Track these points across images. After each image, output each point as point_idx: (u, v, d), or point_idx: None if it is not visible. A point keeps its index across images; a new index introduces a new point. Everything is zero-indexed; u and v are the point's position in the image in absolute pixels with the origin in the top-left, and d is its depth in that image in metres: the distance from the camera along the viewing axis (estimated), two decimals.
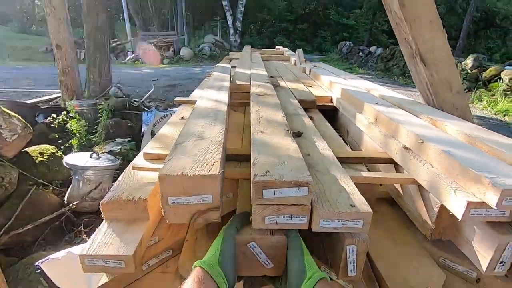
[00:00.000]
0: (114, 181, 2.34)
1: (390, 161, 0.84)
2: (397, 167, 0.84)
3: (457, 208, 0.56)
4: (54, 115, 3.25)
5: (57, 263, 1.46)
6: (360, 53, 15.27)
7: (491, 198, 0.51)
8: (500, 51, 14.94)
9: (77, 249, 1.60)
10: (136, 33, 16.45)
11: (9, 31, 17.72)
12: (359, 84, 1.50)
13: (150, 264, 0.68)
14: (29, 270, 1.64)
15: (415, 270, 0.65)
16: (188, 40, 16.81)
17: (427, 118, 0.93)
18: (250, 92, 1.28)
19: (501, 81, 7.14)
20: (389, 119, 0.88)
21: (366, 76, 11.51)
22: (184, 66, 12.37)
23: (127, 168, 0.76)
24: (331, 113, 1.43)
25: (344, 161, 0.82)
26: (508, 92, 6.83)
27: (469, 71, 8.26)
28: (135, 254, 0.56)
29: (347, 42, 16.93)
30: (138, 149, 3.09)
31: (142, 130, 3.60)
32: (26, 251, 1.88)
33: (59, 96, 4.49)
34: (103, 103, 3.47)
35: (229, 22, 16.89)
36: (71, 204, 2.13)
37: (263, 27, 24.37)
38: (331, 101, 1.45)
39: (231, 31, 17.11)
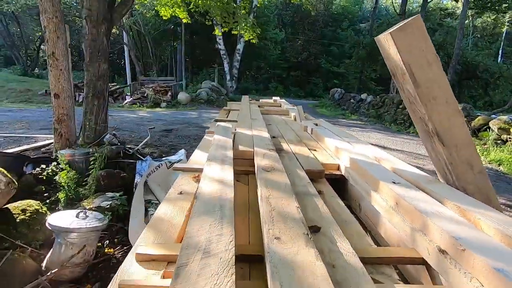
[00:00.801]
0: (102, 240, 2.12)
1: (422, 261, 0.73)
2: (429, 269, 0.73)
3: None
4: (44, 166, 3.11)
5: None
6: (352, 100, 15.88)
7: None
8: (483, 99, 15.76)
9: None
10: (137, 78, 17.04)
11: (11, 74, 18.19)
12: (367, 151, 1.44)
13: None
14: None
15: None
16: (185, 85, 17.40)
17: (454, 206, 0.84)
18: (254, 160, 1.20)
19: (490, 131, 7.34)
20: (413, 207, 0.80)
21: (359, 122, 11.82)
22: (181, 110, 12.57)
23: (137, 242, 0.62)
24: (339, 184, 1.35)
25: (368, 261, 0.71)
26: (498, 142, 6.98)
27: None
28: None
29: (338, 89, 17.71)
30: (129, 203, 2.91)
31: (135, 181, 3.45)
32: None
33: (52, 143, 4.39)
34: (95, 153, 3.37)
35: (226, 69, 17.70)
36: (48, 273, 1.90)
37: (258, 73, 25.62)
38: (338, 169, 1.38)
39: (228, 77, 17.85)
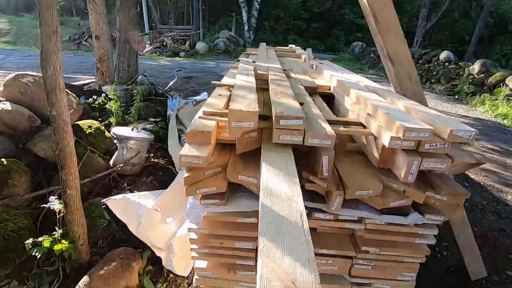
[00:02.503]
0: (149, 152, 2.87)
1: (360, 124, 1.29)
2: (364, 128, 1.29)
3: (386, 141, 1.01)
4: (95, 97, 3.78)
5: (117, 202, 1.99)
6: (372, 54, 15.45)
7: (401, 132, 0.96)
8: None
9: (129, 196, 2.11)
10: (155, 27, 17.02)
11: (33, 19, 18.46)
12: (352, 77, 1.94)
13: (209, 172, 1.15)
14: (92, 209, 2.15)
15: (365, 182, 1.10)
16: (203, 34, 17.25)
17: (390, 99, 1.37)
18: (268, 80, 1.73)
19: (505, 87, 7.39)
20: (364, 99, 1.33)
21: (375, 77, 11.76)
22: (199, 60, 12.84)
23: (195, 117, 1.22)
24: (329, 99, 1.88)
25: (329, 123, 1.27)
26: (510, 98, 7.08)
27: (475, 75, 8.50)
28: (206, 158, 1.02)
29: (360, 43, 17.06)
30: (166, 128, 3.58)
31: (168, 114, 4.10)
32: (85, 199, 2.38)
33: (92, 81, 5.03)
34: (136, 88, 3.98)
35: (244, 18, 17.27)
36: (117, 166, 2.64)
37: (277, 24, 24.61)
38: (329, 89, 1.89)
39: (246, 27, 17.49)
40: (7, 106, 2.39)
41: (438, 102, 7.66)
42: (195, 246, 1.30)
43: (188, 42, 15.35)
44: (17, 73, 2.60)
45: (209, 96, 4.68)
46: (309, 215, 1.19)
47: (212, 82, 1.90)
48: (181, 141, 3.52)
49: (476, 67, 8.56)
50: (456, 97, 8.35)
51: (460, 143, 4.43)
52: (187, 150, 1.04)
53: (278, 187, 0.78)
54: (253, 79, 1.53)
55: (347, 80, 1.79)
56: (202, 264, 1.35)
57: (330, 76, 2.00)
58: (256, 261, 1.31)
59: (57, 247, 1.73)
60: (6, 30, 15.37)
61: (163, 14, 19.72)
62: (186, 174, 1.09)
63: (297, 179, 0.82)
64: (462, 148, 1.14)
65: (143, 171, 2.87)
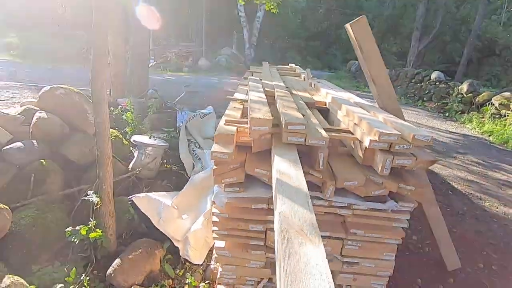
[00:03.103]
0: (163, 159, 3.22)
1: (349, 131, 1.63)
2: (352, 134, 1.64)
3: (367, 143, 1.35)
4: (112, 108, 4.12)
5: (141, 199, 2.31)
6: None
7: (377, 136, 1.31)
8: (506, 79, 15.52)
9: (150, 194, 2.42)
10: (159, 42, 17.66)
11: (41, 35, 19.07)
12: (344, 95, 2.30)
13: (231, 166, 1.48)
14: (117, 206, 2.43)
15: (352, 175, 1.43)
16: (205, 51, 17.88)
17: (373, 113, 1.73)
18: (274, 95, 2.09)
19: (491, 105, 7.86)
20: (354, 113, 1.68)
21: (370, 94, 12.27)
22: (202, 75, 13.35)
23: (220, 123, 1.56)
24: (325, 112, 2.23)
25: (324, 130, 1.61)
26: (496, 116, 7.53)
27: (464, 95, 8.99)
28: (231, 154, 1.35)
29: (356, 62, 17.75)
30: (177, 138, 3.91)
31: (178, 125, 4.44)
32: None
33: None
34: (150, 101, 4.34)
35: (245, 36, 17.99)
36: (136, 170, 2.95)
37: (276, 42, 25.50)
38: (325, 104, 2.25)
39: (247, 45, 18.18)
40: (44, 115, 2.73)
41: (429, 119, 8.09)
42: (216, 228, 1.61)
43: (191, 58, 15.96)
44: (52, 86, 2.95)
45: (214, 109, 5.02)
46: None
47: (227, 96, 2.26)
48: (190, 150, 3.85)
49: (464, 86, 9.07)
50: (447, 114, 8.80)
51: (447, 156, 4.79)
52: (216, 148, 1.38)
53: (287, 170, 1.11)
54: (264, 95, 1.89)
55: (340, 97, 2.15)
56: (221, 244, 1.65)
57: (326, 93, 2.36)
58: (265, 241, 1.62)
59: (92, 235, 2.01)
60: (16, 45, 15.93)
61: (167, 31, 20.49)
62: (215, 167, 1.42)
63: (300, 166, 1.15)
64: (425, 149, 1.48)
65: (158, 175, 3.18)
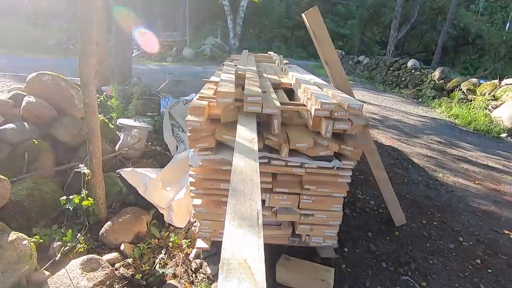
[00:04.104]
0: (147, 141, 3.49)
1: (303, 105, 1.94)
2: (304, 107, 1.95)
3: (313, 111, 1.67)
4: (97, 95, 4.30)
5: (128, 172, 2.57)
6: (350, 62, 16.54)
7: (319, 105, 1.62)
8: (481, 67, 16.30)
9: (136, 169, 2.68)
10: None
11: (15, 23, 18.37)
12: (308, 77, 2.62)
13: (203, 134, 1.76)
14: (106, 180, 2.69)
15: (302, 138, 1.75)
16: (189, 41, 17.78)
17: (325, 90, 2.05)
18: (245, 77, 2.37)
19: (459, 91, 8.40)
20: (309, 89, 1.99)
21: (351, 82, 12.70)
22: (186, 65, 13.39)
23: (194, 99, 1.84)
24: (291, 94, 2.54)
25: (284, 104, 1.92)
26: (464, 100, 8.08)
27: (436, 81, 9.52)
28: (202, 122, 1.64)
29: (340, 51, 18.14)
30: (161, 122, 4.14)
31: (161, 111, 4.66)
32: None
33: None
34: (134, 88, 4.53)
35: (230, 26, 17.98)
36: (123, 150, 3.19)
37: (262, 32, 25.52)
38: (291, 85, 2.56)
39: (231, 34, 18.20)
40: (32, 99, 2.91)
41: (403, 104, 8.57)
42: (193, 188, 1.91)
43: (175, 48, 15.88)
44: (38, 72, 3.12)
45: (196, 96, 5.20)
46: (268, 163, 1.82)
47: (203, 79, 2.53)
48: (174, 133, 4.10)
49: (436, 73, 9.60)
50: (420, 100, 9.32)
51: (412, 137, 5.23)
52: (191, 117, 1.66)
53: (244, 133, 1.41)
54: (233, 76, 2.17)
55: (303, 79, 2.46)
56: (198, 201, 1.96)
57: (292, 76, 2.66)
58: None
59: (85, 203, 2.27)
60: None
61: (150, 21, 20.18)
62: (189, 134, 1.71)
63: (255, 130, 1.46)
64: (360, 117, 1.80)
65: (143, 155, 3.43)
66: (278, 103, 1.67)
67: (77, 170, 2.37)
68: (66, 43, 14.58)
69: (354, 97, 2.08)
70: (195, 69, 11.80)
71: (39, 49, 14.08)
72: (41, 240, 1.97)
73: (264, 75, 2.81)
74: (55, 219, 2.37)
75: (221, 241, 0.73)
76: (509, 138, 5.94)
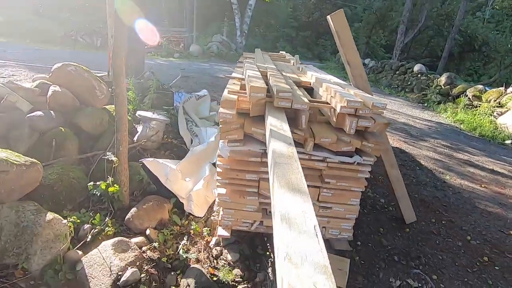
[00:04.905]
0: (165, 133, 3.59)
1: (326, 103, 2.04)
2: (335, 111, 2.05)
3: (338, 109, 1.76)
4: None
5: (150, 162, 2.68)
6: None
7: (345, 103, 1.72)
8: (487, 73, 16.34)
9: (157, 160, 2.78)
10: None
11: (23, 15, 18.44)
12: (327, 77, 2.71)
13: (233, 126, 1.86)
14: (129, 169, 2.79)
15: (326, 134, 1.85)
16: (196, 37, 17.86)
17: (346, 89, 2.14)
18: (267, 75, 2.47)
19: (465, 97, 8.49)
20: (332, 88, 2.09)
21: None
22: (193, 61, 13.48)
23: (224, 93, 1.93)
24: (310, 92, 2.63)
25: (310, 101, 2.01)
26: (469, 106, 8.17)
27: (442, 86, 9.61)
28: (234, 114, 1.74)
29: None
30: (176, 116, 4.24)
31: (175, 105, 4.76)
32: None
33: (103, 75, 5.62)
34: (150, 81, 4.63)
35: (237, 24, 18.03)
36: (141, 141, 3.29)
37: (267, 31, 25.56)
38: (310, 84, 2.65)
39: (238, 32, 18.24)
40: (58, 88, 3.01)
41: (409, 108, 8.66)
42: (219, 178, 2.01)
43: (182, 44, 15.96)
44: (63, 63, 3.21)
45: (207, 92, 5.38)
46: None
47: (226, 75, 2.63)
48: (188, 127, 4.20)
49: (443, 79, 9.68)
50: (426, 104, 9.41)
51: (419, 140, 5.33)
52: (223, 110, 1.76)
53: (277, 124, 1.51)
54: (258, 73, 2.27)
55: (322, 78, 2.55)
56: (222, 190, 2.06)
57: (311, 75, 2.76)
58: (258, 189, 2.03)
59: (111, 189, 2.37)
60: None
61: (158, 17, 20.26)
62: (221, 126, 1.81)
63: (286, 119, 1.56)
64: (382, 116, 1.90)
65: (160, 147, 3.53)
66: (306, 99, 1.77)
67: (104, 157, 2.47)
68: (75, 35, 14.64)
69: (372, 95, 2.18)
70: (203, 66, 11.89)
71: (48, 41, 14.15)
72: (78, 221, 2.07)
73: (283, 73, 2.90)
74: (81, 203, 2.47)
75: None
76: None
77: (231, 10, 18.13)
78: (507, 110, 7.09)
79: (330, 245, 2.28)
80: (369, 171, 2.00)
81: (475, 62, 16.19)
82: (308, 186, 2.03)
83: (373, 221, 2.73)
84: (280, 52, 5.82)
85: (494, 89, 8.25)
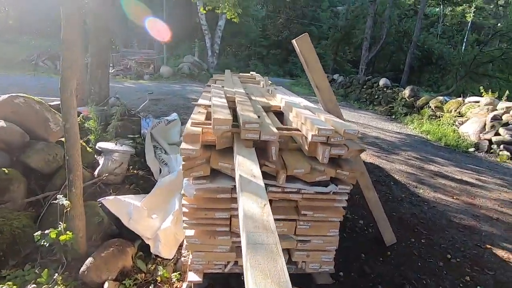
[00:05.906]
0: (129, 164, 3.32)
1: (297, 129, 1.94)
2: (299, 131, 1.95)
3: (310, 137, 1.66)
4: None
5: (111, 201, 2.42)
6: None
7: (316, 131, 1.62)
8: (444, 84, 17.59)
9: (119, 197, 2.53)
10: (117, 49, 17.12)
11: None
12: (296, 100, 2.64)
13: (198, 162, 1.69)
14: (86, 210, 2.50)
15: (299, 164, 1.74)
16: (167, 58, 17.69)
17: (317, 114, 2.07)
18: (235, 101, 2.35)
19: (428, 108, 8.94)
20: (302, 114, 2.00)
21: None
22: (164, 83, 13.23)
23: (187, 125, 1.77)
24: (280, 116, 2.54)
25: (277, 129, 1.90)
26: (433, 117, 8.59)
27: (407, 99, 10.08)
28: (198, 150, 1.58)
29: None
30: (142, 144, 3.98)
31: (142, 132, 4.50)
32: None
33: None
34: (115, 108, 4.36)
35: (208, 44, 18.15)
36: (103, 176, 3.00)
37: (239, 50, 26.02)
38: (280, 108, 2.57)
39: (209, 52, 18.35)
40: (2, 123, 2.69)
41: (378, 121, 8.95)
42: (186, 218, 1.81)
43: (152, 66, 15.69)
44: (10, 94, 2.90)
45: (178, 115, 5.16)
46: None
47: (192, 102, 2.47)
48: (156, 155, 3.95)
49: (407, 92, 10.18)
50: (393, 117, 9.79)
51: (391, 153, 5.42)
52: (185, 145, 1.60)
53: (245, 162, 1.37)
54: (225, 100, 2.14)
55: (292, 102, 2.48)
56: (190, 232, 1.85)
57: (281, 99, 2.68)
58: (230, 227, 1.85)
59: (62, 237, 2.08)
60: None
61: (126, 38, 19.93)
62: (183, 162, 1.63)
63: (256, 158, 1.42)
64: (355, 141, 1.83)
65: (125, 180, 3.25)
66: (275, 129, 1.65)
67: (54, 201, 2.18)
68: (36, 59, 13.91)
69: (344, 120, 2.12)
70: (174, 87, 11.67)
71: (7, 66, 13.32)
72: (14, 287, 1.76)
73: (253, 97, 2.80)
74: (28, 256, 2.14)
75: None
76: (477, 152, 6.35)
77: (201, 31, 18.27)
78: (467, 119, 7.51)
79: (311, 280, 2.12)
80: (346, 200, 1.90)
81: (433, 74, 17.39)
82: (284, 219, 1.90)
83: (353, 245, 2.62)
84: (251, 73, 5.80)
85: (453, 100, 8.77)
